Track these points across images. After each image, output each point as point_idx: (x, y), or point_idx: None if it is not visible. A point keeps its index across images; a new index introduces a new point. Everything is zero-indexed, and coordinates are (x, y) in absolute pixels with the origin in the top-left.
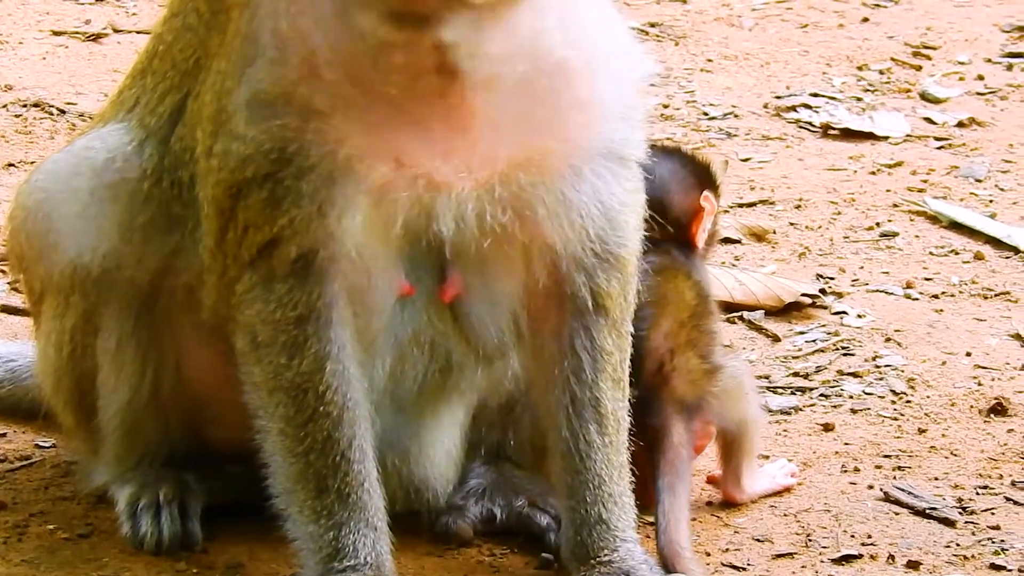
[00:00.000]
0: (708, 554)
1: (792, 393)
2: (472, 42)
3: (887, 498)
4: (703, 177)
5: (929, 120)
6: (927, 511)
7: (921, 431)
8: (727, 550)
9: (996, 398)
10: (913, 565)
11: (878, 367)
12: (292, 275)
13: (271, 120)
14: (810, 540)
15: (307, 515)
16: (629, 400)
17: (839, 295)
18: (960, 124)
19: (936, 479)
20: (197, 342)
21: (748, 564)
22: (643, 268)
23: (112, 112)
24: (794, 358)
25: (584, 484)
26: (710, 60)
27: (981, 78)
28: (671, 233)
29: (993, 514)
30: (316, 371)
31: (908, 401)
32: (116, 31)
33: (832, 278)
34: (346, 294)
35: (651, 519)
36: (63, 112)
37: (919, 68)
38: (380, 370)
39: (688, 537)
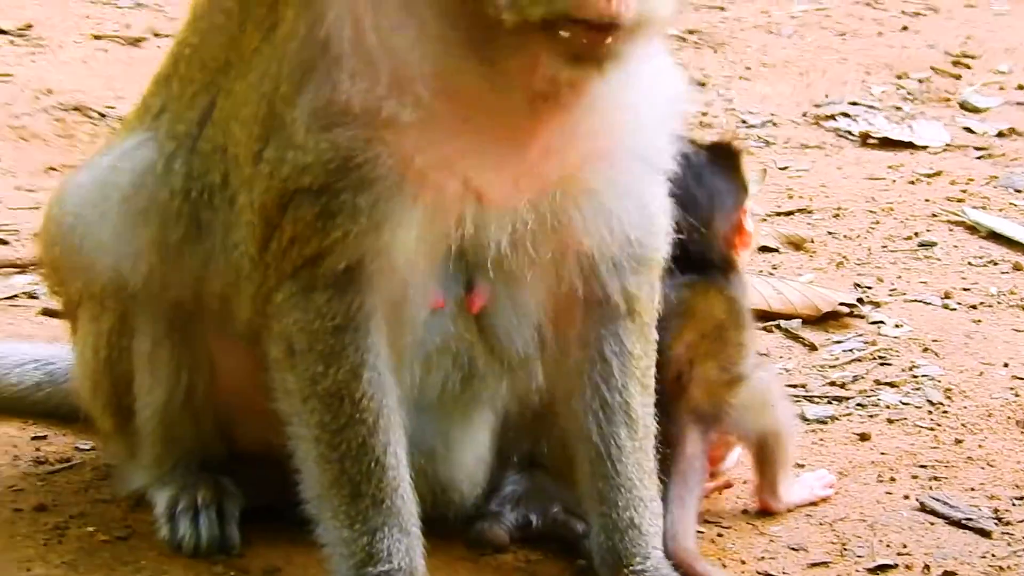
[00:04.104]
0: (743, 562)
1: (829, 402)
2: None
3: (923, 508)
4: (741, 189)
5: (968, 130)
6: (963, 521)
7: (958, 441)
8: (762, 558)
9: None
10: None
11: (915, 377)
12: (333, 285)
13: (337, 130)
14: (845, 549)
15: (341, 520)
16: None
17: (876, 304)
18: (1000, 134)
19: (972, 489)
20: (230, 347)
21: (783, 572)
22: (676, 283)
23: (137, 121)
24: (831, 367)
25: (615, 489)
26: (748, 68)
27: (1022, 88)
28: (708, 248)
29: None
30: (352, 379)
31: (945, 411)
32: (156, 35)
33: (870, 287)
34: (383, 305)
35: None
36: (103, 116)
37: (959, 77)
38: (407, 380)
39: (696, 546)
